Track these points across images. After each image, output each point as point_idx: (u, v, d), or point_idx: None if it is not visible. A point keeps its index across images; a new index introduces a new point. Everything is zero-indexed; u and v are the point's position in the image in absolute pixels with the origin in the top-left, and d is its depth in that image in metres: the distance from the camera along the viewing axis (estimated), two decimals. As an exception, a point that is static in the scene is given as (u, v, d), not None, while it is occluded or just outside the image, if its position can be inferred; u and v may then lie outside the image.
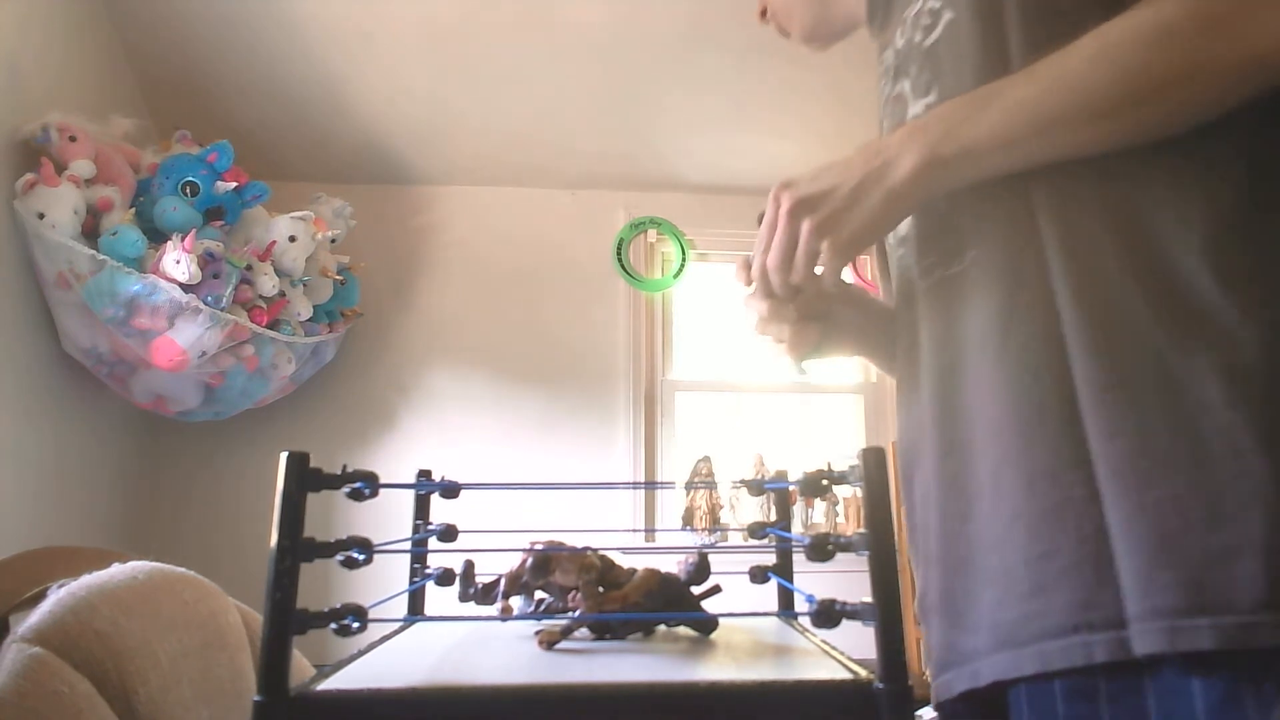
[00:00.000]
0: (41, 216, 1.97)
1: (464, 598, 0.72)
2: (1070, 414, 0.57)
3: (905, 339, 0.75)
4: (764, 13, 1.03)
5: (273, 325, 2.36)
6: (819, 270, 0.67)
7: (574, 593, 0.65)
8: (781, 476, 0.78)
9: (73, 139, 2.06)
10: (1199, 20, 0.55)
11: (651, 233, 3.09)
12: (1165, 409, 0.54)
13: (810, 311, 0.76)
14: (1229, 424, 0.53)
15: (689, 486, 2.97)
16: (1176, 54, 0.55)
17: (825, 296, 0.74)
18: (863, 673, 0.49)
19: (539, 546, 0.67)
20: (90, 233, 2.07)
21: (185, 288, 2.06)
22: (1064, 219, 0.59)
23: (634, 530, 2.85)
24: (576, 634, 0.64)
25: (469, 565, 0.73)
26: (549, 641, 0.61)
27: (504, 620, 0.68)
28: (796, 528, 2.81)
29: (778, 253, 0.69)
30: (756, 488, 0.82)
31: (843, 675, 0.50)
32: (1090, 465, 0.56)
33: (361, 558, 0.55)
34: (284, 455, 0.48)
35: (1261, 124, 0.57)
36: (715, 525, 2.81)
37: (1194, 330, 0.55)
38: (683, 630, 0.70)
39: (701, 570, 0.70)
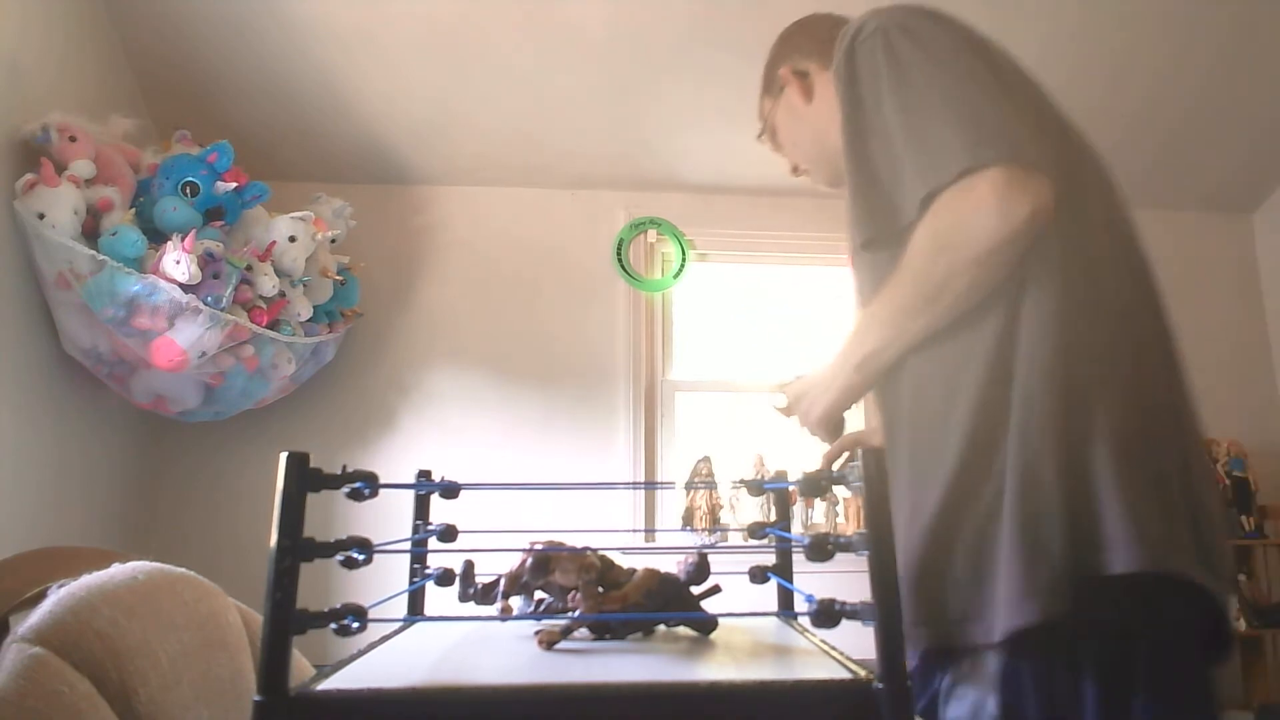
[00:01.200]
0: (41, 217, 1.97)
1: (464, 598, 0.72)
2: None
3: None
4: (795, 169, 1.35)
5: (273, 325, 2.36)
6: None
7: (574, 593, 0.65)
8: (781, 476, 0.78)
9: (73, 139, 2.06)
10: (934, 242, 0.87)
11: (651, 233, 3.09)
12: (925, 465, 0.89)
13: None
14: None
15: (689, 486, 2.97)
16: (936, 268, 0.87)
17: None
18: (863, 673, 0.49)
19: (539, 546, 0.67)
20: (90, 233, 2.07)
21: (185, 288, 2.06)
22: (913, 373, 0.94)
23: (634, 530, 2.85)
24: (576, 634, 0.64)
25: (469, 565, 0.73)
26: (549, 641, 0.61)
27: (504, 620, 0.68)
28: (796, 528, 2.81)
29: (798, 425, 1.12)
30: (756, 488, 0.82)
31: (843, 675, 0.50)
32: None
33: (361, 558, 0.55)
34: (284, 455, 0.48)
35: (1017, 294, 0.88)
36: (715, 525, 2.80)
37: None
38: (683, 630, 0.70)
39: (701, 570, 0.70)
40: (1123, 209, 0.99)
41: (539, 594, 0.71)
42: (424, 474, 0.77)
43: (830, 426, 1.05)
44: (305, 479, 0.48)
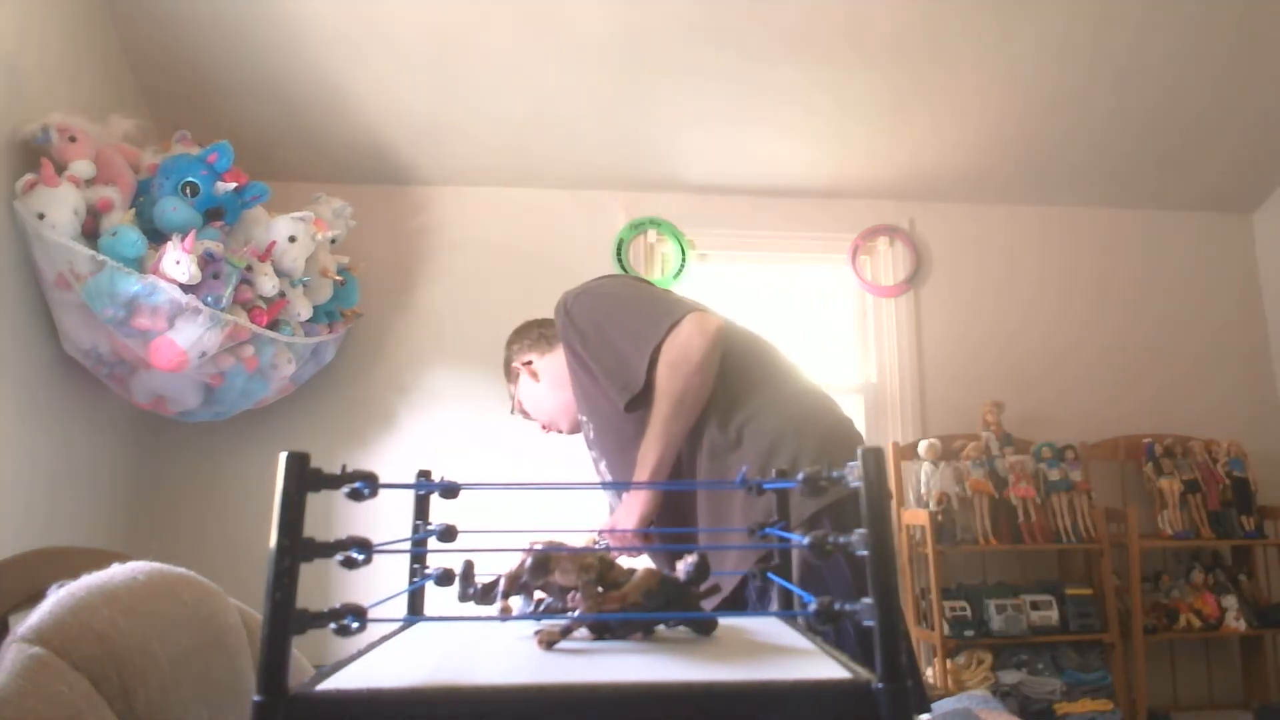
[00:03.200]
0: (41, 217, 1.97)
1: (464, 598, 0.72)
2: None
3: None
4: (544, 427, 1.86)
5: (273, 325, 2.36)
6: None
7: (574, 593, 0.65)
8: (781, 476, 0.78)
9: (73, 139, 2.06)
10: (669, 368, 1.42)
11: (651, 233, 3.09)
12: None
13: None
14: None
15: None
16: (676, 383, 1.42)
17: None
18: (863, 673, 0.49)
19: (539, 546, 0.67)
20: (90, 233, 2.07)
21: (185, 288, 2.06)
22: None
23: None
24: (576, 634, 0.64)
25: (469, 565, 0.73)
26: (549, 641, 0.61)
27: (504, 620, 0.68)
28: (796, 528, 2.80)
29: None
30: (756, 488, 0.82)
31: (843, 675, 0.50)
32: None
33: (361, 558, 0.55)
34: (284, 455, 0.48)
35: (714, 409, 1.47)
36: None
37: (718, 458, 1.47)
38: (683, 630, 0.70)
39: (701, 570, 0.70)
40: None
41: (539, 594, 0.71)
42: (424, 474, 0.77)
43: (642, 534, 1.47)
44: (305, 479, 0.48)
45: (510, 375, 1.83)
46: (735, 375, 1.47)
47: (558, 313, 1.57)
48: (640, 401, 1.43)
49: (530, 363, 1.77)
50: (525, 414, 1.83)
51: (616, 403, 1.46)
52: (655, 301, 1.48)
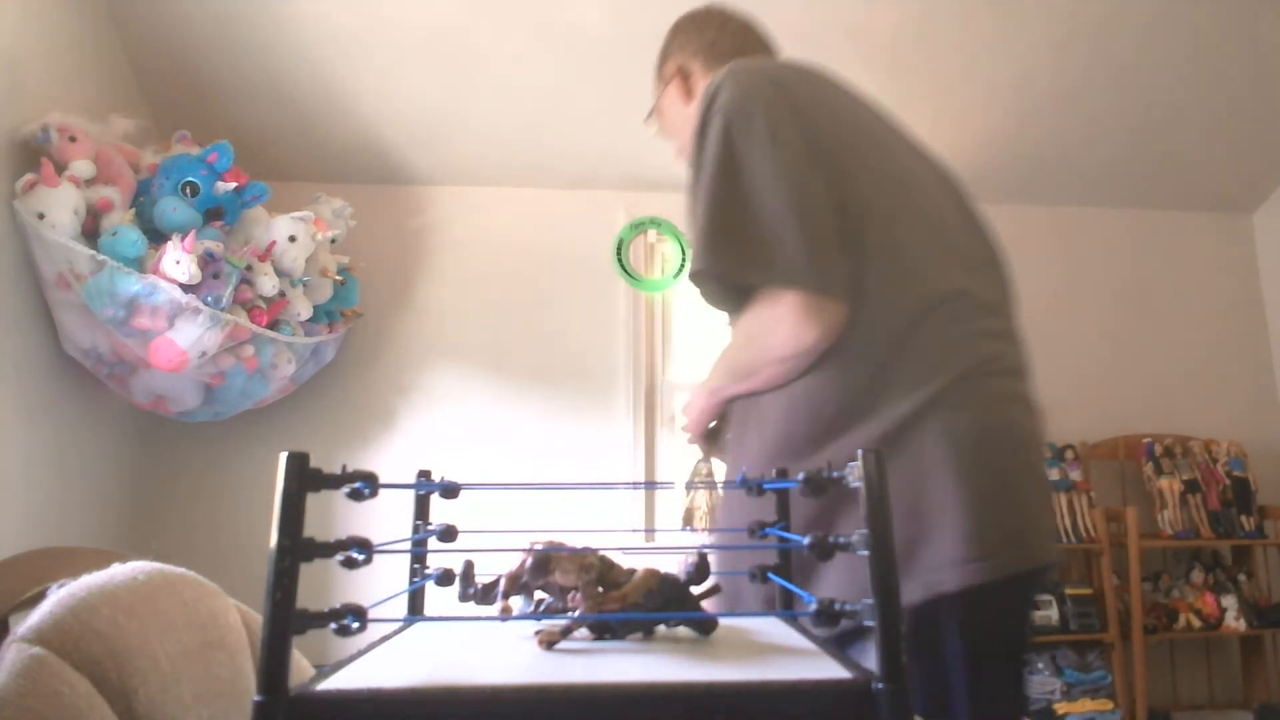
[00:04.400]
0: (41, 217, 1.97)
1: (464, 598, 0.72)
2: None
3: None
4: (680, 151, 1.39)
5: (273, 325, 2.36)
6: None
7: (574, 593, 0.65)
8: (781, 476, 0.78)
9: (73, 139, 2.06)
10: (746, 335, 1.07)
11: (651, 233, 3.09)
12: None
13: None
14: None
15: (689, 486, 2.97)
16: (746, 356, 1.08)
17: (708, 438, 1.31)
18: (862, 672, 0.49)
19: (539, 546, 0.67)
20: (90, 233, 2.07)
21: (185, 288, 2.06)
22: (762, 406, 1.09)
23: (634, 530, 2.85)
24: (576, 634, 0.64)
25: (469, 565, 0.73)
26: (549, 641, 0.61)
27: (504, 620, 0.68)
28: (796, 528, 2.80)
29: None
30: (756, 488, 0.82)
31: (843, 675, 0.50)
32: None
33: (361, 558, 0.55)
34: (284, 455, 0.48)
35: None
36: (715, 526, 2.80)
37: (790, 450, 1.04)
38: (683, 630, 0.70)
39: (701, 570, 0.70)
40: (978, 272, 1.14)
41: (539, 594, 0.71)
42: (424, 474, 0.77)
43: (702, 425, 1.25)
44: (305, 479, 0.48)
45: (659, 73, 1.41)
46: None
47: (707, 100, 1.09)
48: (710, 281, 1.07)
49: (689, 76, 1.33)
50: (659, 128, 1.44)
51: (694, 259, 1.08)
52: (795, 221, 0.97)
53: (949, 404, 0.98)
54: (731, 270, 1.00)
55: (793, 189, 0.99)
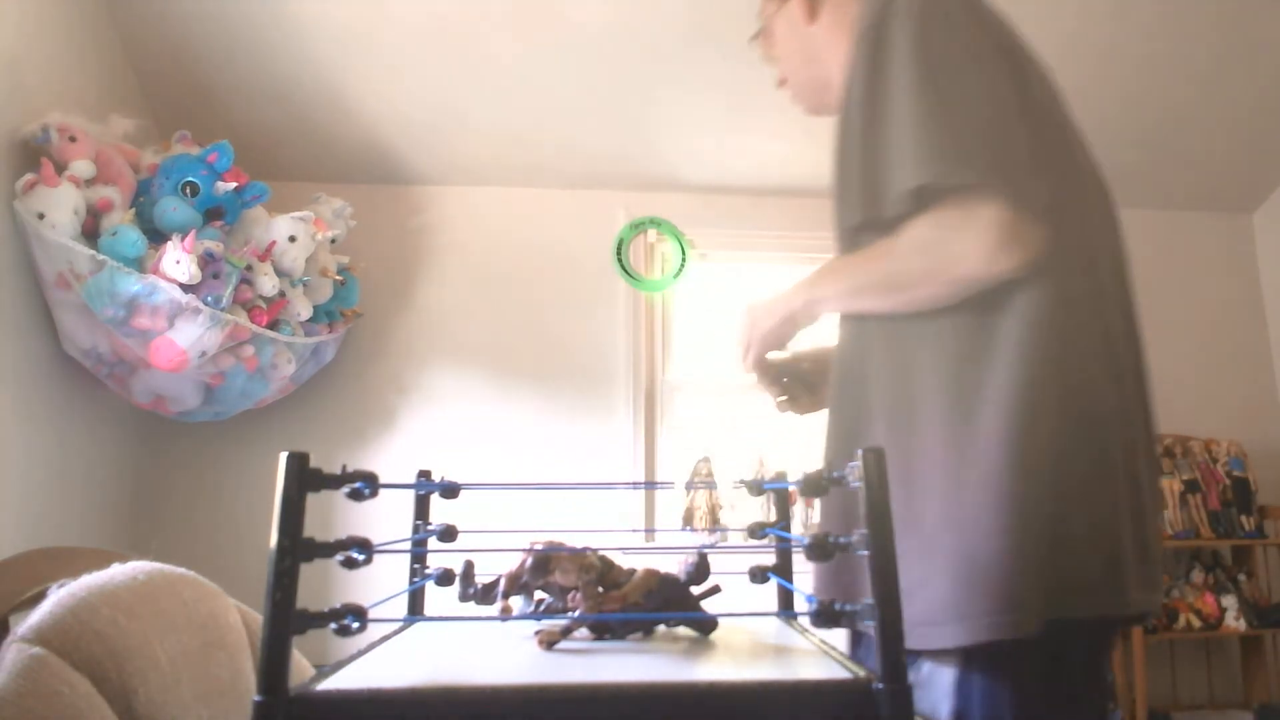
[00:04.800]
0: (41, 217, 1.97)
1: (464, 598, 0.72)
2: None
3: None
4: (782, 82, 1.26)
5: (273, 325, 2.36)
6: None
7: (574, 593, 0.65)
8: (781, 477, 0.78)
9: (73, 139, 2.06)
10: (918, 245, 0.88)
11: (651, 233, 3.09)
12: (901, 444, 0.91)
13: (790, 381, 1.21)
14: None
15: (689, 486, 2.97)
16: (908, 268, 0.90)
17: (770, 369, 1.15)
18: (863, 673, 0.49)
19: (539, 546, 0.67)
20: (90, 233, 2.07)
21: (185, 288, 2.06)
22: (881, 345, 0.96)
23: (634, 530, 2.85)
24: (576, 634, 0.64)
25: (469, 565, 0.73)
26: (549, 641, 0.61)
27: (504, 620, 0.68)
28: (796, 528, 2.81)
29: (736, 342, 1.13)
30: (756, 488, 0.82)
31: (843, 675, 0.50)
32: None
33: (361, 558, 0.55)
34: (284, 455, 0.48)
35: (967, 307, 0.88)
36: (715, 525, 2.80)
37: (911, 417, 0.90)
38: (683, 630, 0.70)
39: (701, 570, 0.70)
40: (1114, 234, 1.03)
41: (539, 594, 0.71)
42: (424, 474, 0.77)
43: (767, 345, 1.09)
44: (305, 479, 0.48)
45: None
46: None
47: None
48: (873, 227, 0.93)
49: None
50: (767, 51, 1.25)
51: (842, 210, 0.99)
52: (996, 126, 0.87)
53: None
54: (950, 172, 0.83)
55: (1005, 98, 0.88)
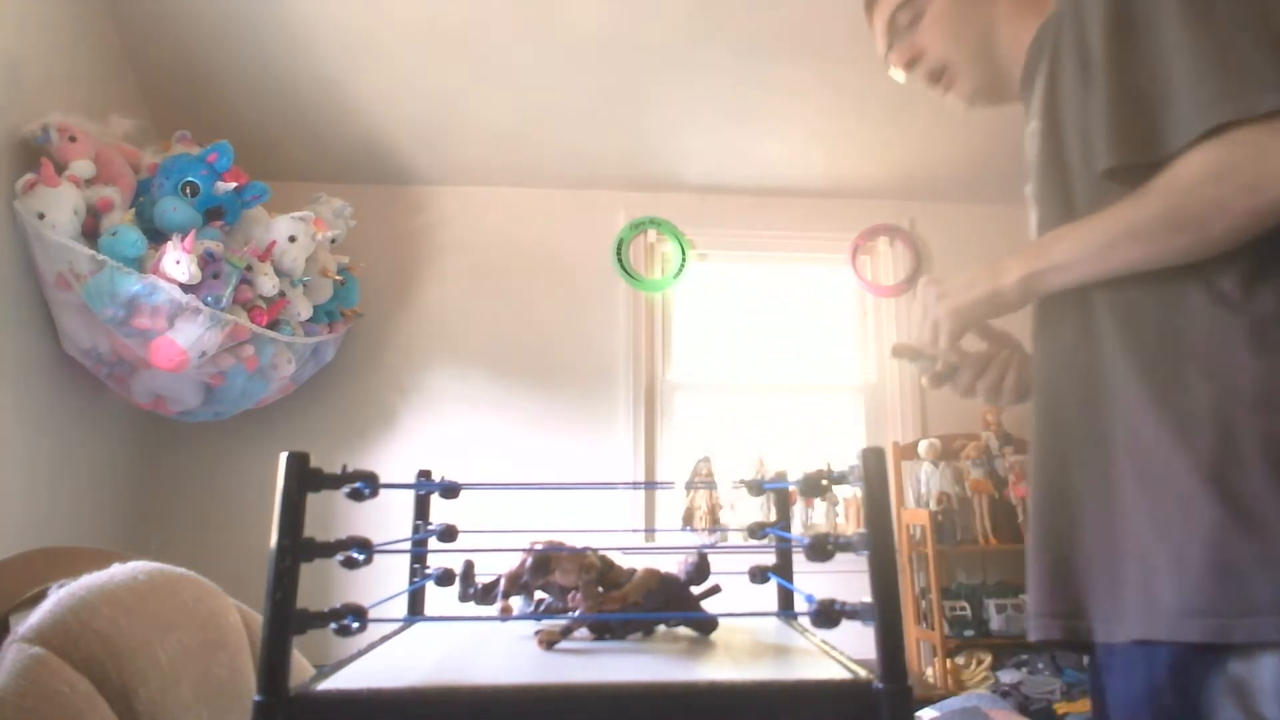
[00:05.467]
0: (41, 216, 1.97)
1: (464, 598, 0.72)
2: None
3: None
4: (911, 62, 1.09)
5: (273, 325, 2.36)
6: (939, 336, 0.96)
7: (574, 593, 0.65)
8: (781, 477, 0.78)
9: (73, 139, 2.06)
10: (1212, 170, 0.74)
11: (651, 233, 3.09)
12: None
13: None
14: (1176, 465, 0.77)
15: (689, 486, 2.97)
16: (1199, 196, 0.75)
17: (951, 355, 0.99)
18: (863, 673, 0.49)
19: (539, 546, 0.67)
20: (90, 233, 2.07)
21: (185, 288, 2.06)
22: (1115, 317, 0.84)
23: (634, 530, 2.85)
24: (576, 634, 0.64)
25: (469, 565, 0.73)
26: (549, 641, 0.61)
27: (504, 620, 0.68)
28: (796, 528, 2.81)
29: (920, 318, 0.98)
30: (756, 488, 0.82)
31: (843, 675, 0.50)
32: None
33: (361, 558, 0.55)
34: (284, 455, 0.48)
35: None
36: (715, 525, 2.81)
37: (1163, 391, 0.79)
38: (683, 630, 0.70)
39: (701, 570, 0.70)
40: None
41: (539, 594, 0.71)
42: (424, 474, 0.77)
43: (964, 325, 0.93)
44: (305, 479, 0.48)
45: None
46: None
47: None
48: (1133, 173, 0.80)
49: None
50: (912, 32, 1.07)
51: (1096, 153, 0.82)
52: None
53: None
54: (1257, 101, 0.72)
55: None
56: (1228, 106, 0.73)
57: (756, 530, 0.80)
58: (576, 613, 0.64)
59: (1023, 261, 0.87)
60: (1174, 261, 0.78)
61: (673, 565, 0.71)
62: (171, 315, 2.06)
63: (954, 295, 0.92)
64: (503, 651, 0.60)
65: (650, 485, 3.22)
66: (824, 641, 0.63)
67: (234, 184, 2.24)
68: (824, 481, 0.57)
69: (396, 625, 0.72)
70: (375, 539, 0.57)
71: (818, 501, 2.86)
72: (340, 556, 0.54)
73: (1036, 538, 0.89)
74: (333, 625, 0.51)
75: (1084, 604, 0.83)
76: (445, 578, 0.75)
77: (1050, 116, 0.90)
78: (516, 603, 0.69)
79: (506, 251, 3.05)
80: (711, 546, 0.95)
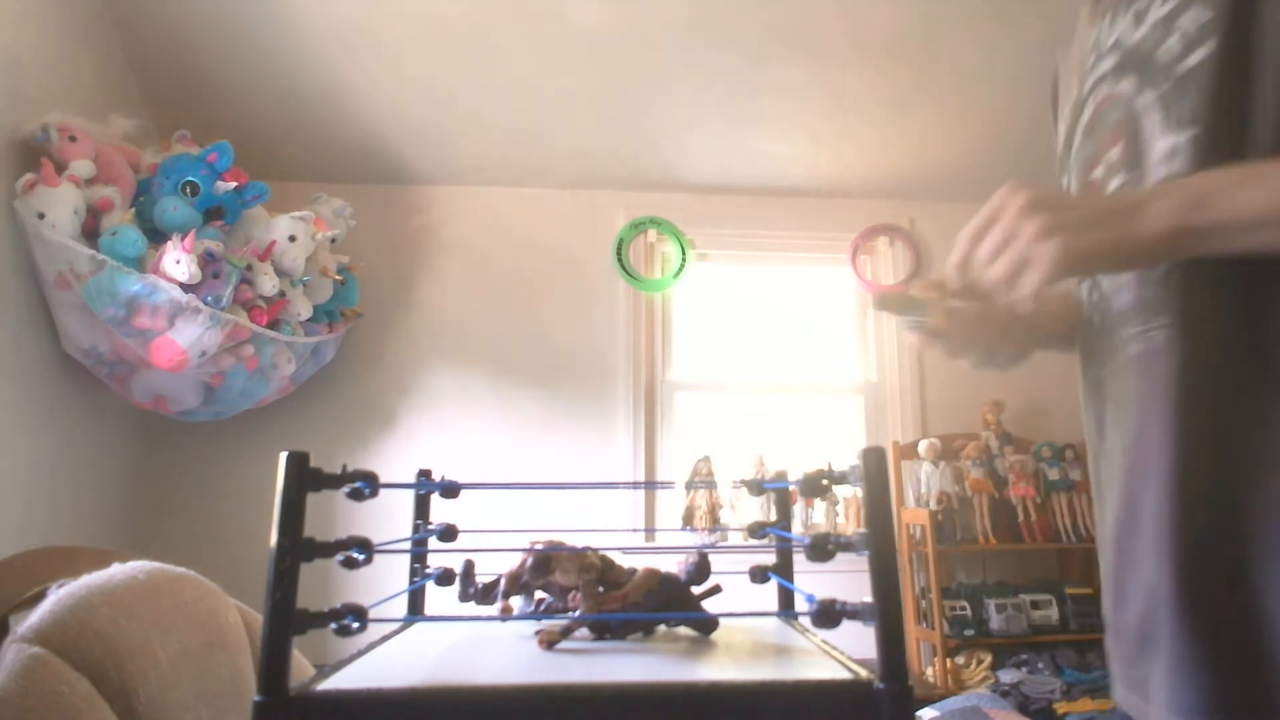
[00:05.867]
0: (41, 216, 1.97)
1: (464, 598, 0.72)
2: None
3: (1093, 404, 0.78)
4: None
5: (273, 325, 2.36)
6: (1024, 282, 0.64)
7: (574, 593, 0.65)
8: (781, 476, 0.78)
9: (73, 139, 2.06)
10: None
11: (651, 233, 3.09)
12: None
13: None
14: None
15: (689, 486, 2.97)
16: None
17: (1006, 313, 0.75)
18: (863, 673, 0.49)
19: (539, 546, 0.67)
20: (90, 233, 2.07)
21: (185, 288, 2.06)
22: None
23: (634, 530, 2.85)
24: (576, 634, 0.64)
25: (469, 565, 0.73)
26: (549, 641, 0.61)
27: (504, 620, 0.68)
28: (796, 528, 2.81)
29: (993, 243, 0.65)
30: (756, 488, 0.82)
31: (843, 675, 0.50)
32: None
33: (361, 558, 0.55)
34: (284, 455, 0.48)
35: None
36: (715, 525, 2.81)
37: None
38: (683, 630, 0.70)
39: (701, 570, 0.70)
40: None
41: (539, 594, 0.71)
42: (424, 474, 0.77)
43: (1060, 269, 0.62)
44: (305, 479, 0.48)
45: None
46: None
47: None
48: None
49: None
50: None
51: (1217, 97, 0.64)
52: None
53: None
54: None
55: None
56: None
57: (756, 530, 0.80)
58: (576, 613, 0.63)
59: (1176, 205, 0.60)
60: None
61: (673, 565, 0.71)
62: (171, 315, 2.06)
63: (1071, 230, 0.62)
64: (503, 651, 0.60)
65: (650, 485, 3.22)
66: (824, 641, 0.63)
67: (234, 184, 2.24)
68: (824, 481, 0.57)
69: (396, 625, 0.72)
70: (375, 539, 0.57)
71: (818, 501, 2.86)
72: (340, 556, 0.54)
73: (1184, 593, 0.63)
74: (333, 625, 0.51)
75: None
76: (445, 578, 0.75)
77: (1242, 11, 0.64)
78: (516, 603, 0.69)
79: (506, 251, 3.05)
80: (711, 546, 0.95)
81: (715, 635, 0.67)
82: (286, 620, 0.46)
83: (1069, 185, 0.83)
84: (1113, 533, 0.73)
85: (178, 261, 2.03)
